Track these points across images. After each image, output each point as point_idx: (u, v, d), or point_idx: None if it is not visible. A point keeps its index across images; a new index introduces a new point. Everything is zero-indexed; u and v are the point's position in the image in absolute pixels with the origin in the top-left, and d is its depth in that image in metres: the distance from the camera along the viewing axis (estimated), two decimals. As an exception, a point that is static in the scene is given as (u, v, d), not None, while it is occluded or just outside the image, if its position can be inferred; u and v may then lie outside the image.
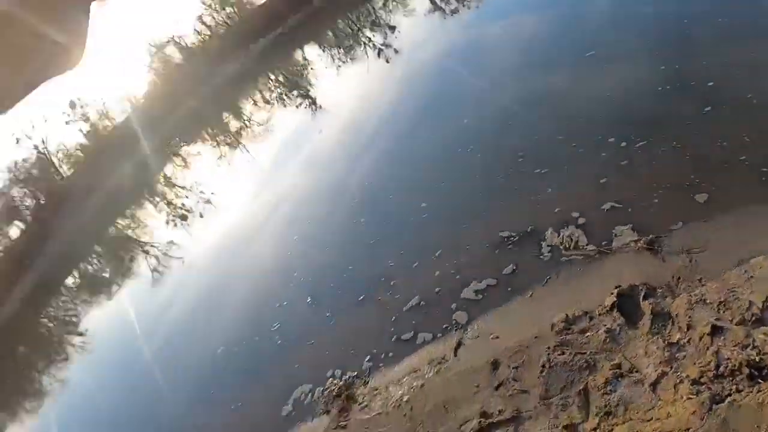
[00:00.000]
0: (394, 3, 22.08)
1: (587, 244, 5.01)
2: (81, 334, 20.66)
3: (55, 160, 66.30)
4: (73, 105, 63.90)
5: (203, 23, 58.05)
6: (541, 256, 5.07)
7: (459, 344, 4.97)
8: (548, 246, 5.15)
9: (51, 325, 30.16)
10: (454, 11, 15.54)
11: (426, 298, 5.74)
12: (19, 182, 64.69)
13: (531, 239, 5.36)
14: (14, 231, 64.53)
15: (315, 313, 7.26)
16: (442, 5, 16.71)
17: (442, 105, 10.51)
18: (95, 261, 34.00)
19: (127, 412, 9.76)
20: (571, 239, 5.16)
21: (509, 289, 5.06)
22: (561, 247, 5.13)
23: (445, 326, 5.23)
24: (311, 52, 27.57)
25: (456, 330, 5.11)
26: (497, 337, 4.73)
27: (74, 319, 25.33)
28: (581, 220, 5.34)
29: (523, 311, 4.77)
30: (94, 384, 13.59)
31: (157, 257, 18.28)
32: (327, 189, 10.44)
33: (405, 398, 4.90)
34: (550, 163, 6.52)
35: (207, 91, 47.13)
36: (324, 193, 10.38)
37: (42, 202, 64.38)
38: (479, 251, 5.70)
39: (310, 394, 6.06)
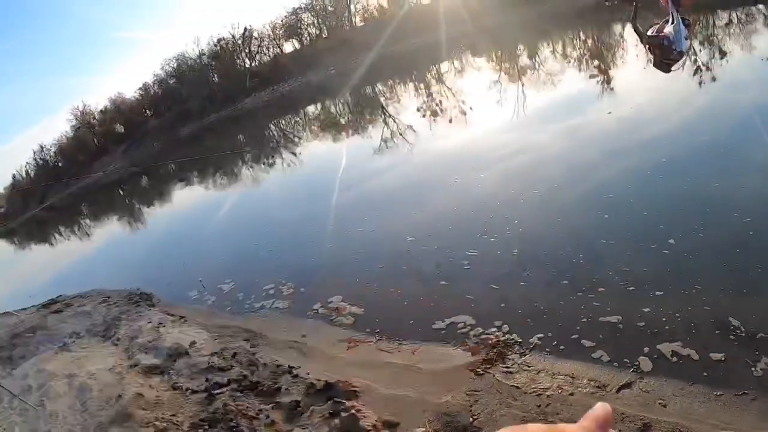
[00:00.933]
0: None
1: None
2: (295, 154, 23.04)
3: (352, 8, 71.14)
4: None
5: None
6: (754, 369, 4.42)
7: (627, 385, 4.69)
8: (766, 365, 4.42)
9: (275, 133, 33.82)
10: None
11: (626, 324, 5.38)
12: (311, 11, 70.78)
13: (755, 346, 4.65)
14: (288, 46, 71.36)
15: (512, 269, 7.26)
16: None
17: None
18: (336, 103, 37.06)
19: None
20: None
21: (705, 373, 4.53)
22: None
23: (625, 360, 4.91)
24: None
25: (633, 371, 4.78)
26: (664, 406, 4.40)
27: (294, 139, 28.23)
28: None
29: (703, 401, 4.36)
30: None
31: (392, 132, 19.46)
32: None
33: (548, 393, 4.80)
34: None
35: (526, 15, 47.46)
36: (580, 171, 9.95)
37: (324, 36, 70.02)
38: (701, 319, 5.16)
39: (468, 328, 6.20)
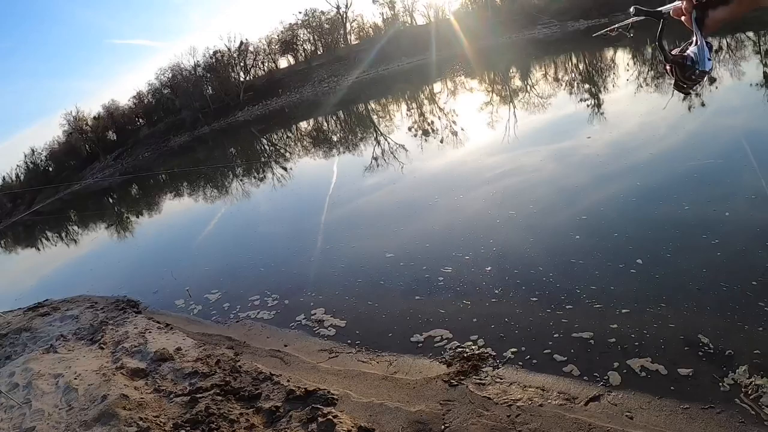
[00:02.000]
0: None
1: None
2: (285, 169, 23.20)
3: (348, 26, 72.06)
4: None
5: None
6: (721, 384, 4.58)
7: (595, 398, 4.85)
8: (733, 380, 4.60)
9: (267, 148, 33.98)
10: None
11: (597, 340, 5.57)
12: (308, 27, 71.76)
13: (723, 362, 4.83)
14: (283, 61, 71.86)
15: (484, 286, 7.50)
16: None
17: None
18: (329, 120, 37.28)
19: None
20: (758, 390, 4.63)
21: (672, 387, 4.70)
22: (743, 390, 4.63)
23: (595, 374, 5.09)
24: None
25: (602, 385, 4.95)
26: (631, 418, 4.57)
27: (286, 154, 28.40)
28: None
29: (669, 414, 4.52)
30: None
31: (383, 150, 19.70)
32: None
33: (518, 404, 4.95)
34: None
35: (519, 38, 48.07)
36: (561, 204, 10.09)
37: (319, 52, 70.70)
38: (670, 335, 5.35)
39: (445, 341, 6.39)
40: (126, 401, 6.05)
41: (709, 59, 1.78)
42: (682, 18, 1.46)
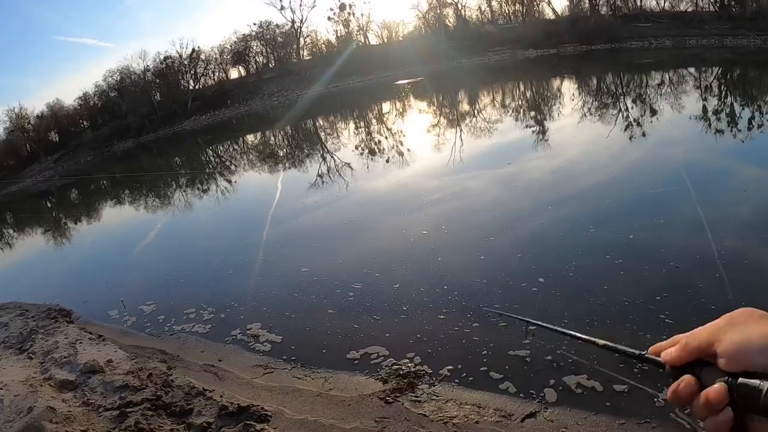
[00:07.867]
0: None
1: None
2: (229, 181, 22.85)
3: (301, 41, 72.08)
4: (342, 7, 68.77)
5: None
6: (656, 399, 4.66)
7: (532, 415, 4.85)
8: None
9: (213, 159, 33.42)
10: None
11: (534, 356, 5.60)
12: (261, 40, 71.36)
13: (659, 378, 5.01)
14: (234, 72, 71.04)
15: (392, 302, 7.70)
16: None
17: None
18: (276, 134, 37.03)
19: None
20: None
21: (608, 404, 4.78)
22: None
23: (531, 391, 5.09)
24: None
25: (538, 402, 4.95)
26: (567, 434, 4.62)
27: (231, 166, 28.00)
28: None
29: (605, 430, 4.55)
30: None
31: (328, 167, 19.63)
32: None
33: (454, 421, 4.90)
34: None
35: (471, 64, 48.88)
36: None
37: (270, 65, 70.35)
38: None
39: (381, 358, 6.32)
40: (53, 414, 5.73)
41: None
42: None
